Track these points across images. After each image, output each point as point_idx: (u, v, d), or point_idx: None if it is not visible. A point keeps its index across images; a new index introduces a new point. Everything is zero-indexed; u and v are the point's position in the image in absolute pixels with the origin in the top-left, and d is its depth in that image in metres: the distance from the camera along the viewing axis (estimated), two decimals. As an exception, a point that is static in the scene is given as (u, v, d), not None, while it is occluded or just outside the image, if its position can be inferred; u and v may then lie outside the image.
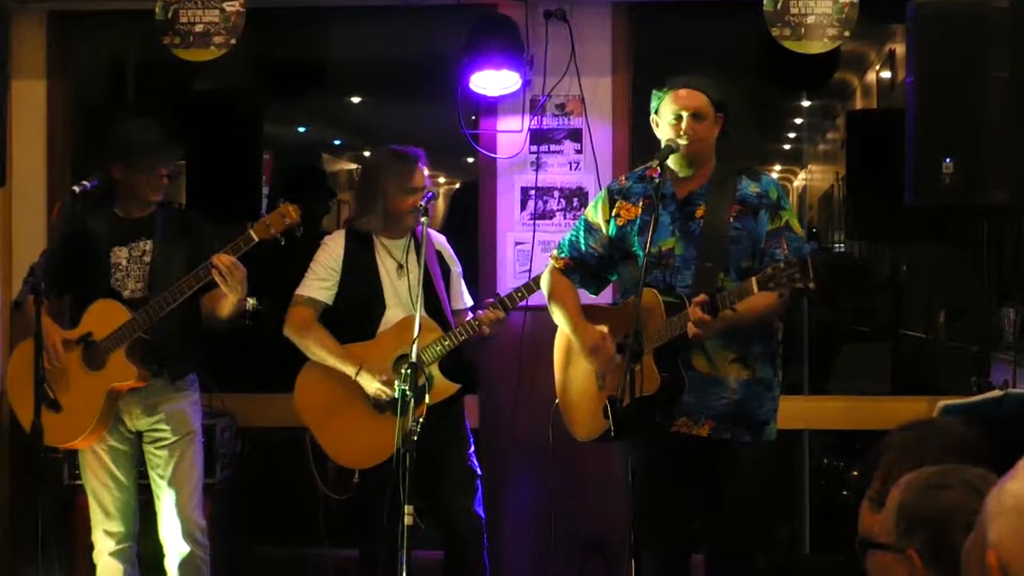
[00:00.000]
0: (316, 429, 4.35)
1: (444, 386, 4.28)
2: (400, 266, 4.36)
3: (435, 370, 4.25)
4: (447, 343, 4.25)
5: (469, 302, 4.58)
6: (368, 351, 4.28)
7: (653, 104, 3.93)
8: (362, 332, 4.32)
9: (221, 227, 4.30)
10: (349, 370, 4.25)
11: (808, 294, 3.62)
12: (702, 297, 3.63)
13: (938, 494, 1.76)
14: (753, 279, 3.57)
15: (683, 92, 3.86)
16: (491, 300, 4.35)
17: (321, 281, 4.37)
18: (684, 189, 3.93)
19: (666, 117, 3.87)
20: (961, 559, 1.54)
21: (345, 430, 4.32)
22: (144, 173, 4.27)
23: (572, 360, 4.08)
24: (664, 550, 3.90)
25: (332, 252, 4.40)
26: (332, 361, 4.28)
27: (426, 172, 4.39)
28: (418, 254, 4.33)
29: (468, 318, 4.42)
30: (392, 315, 4.32)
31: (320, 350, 4.31)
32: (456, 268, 4.53)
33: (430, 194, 4.26)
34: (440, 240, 4.54)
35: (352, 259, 4.37)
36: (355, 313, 4.35)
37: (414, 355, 3.83)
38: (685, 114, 3.84)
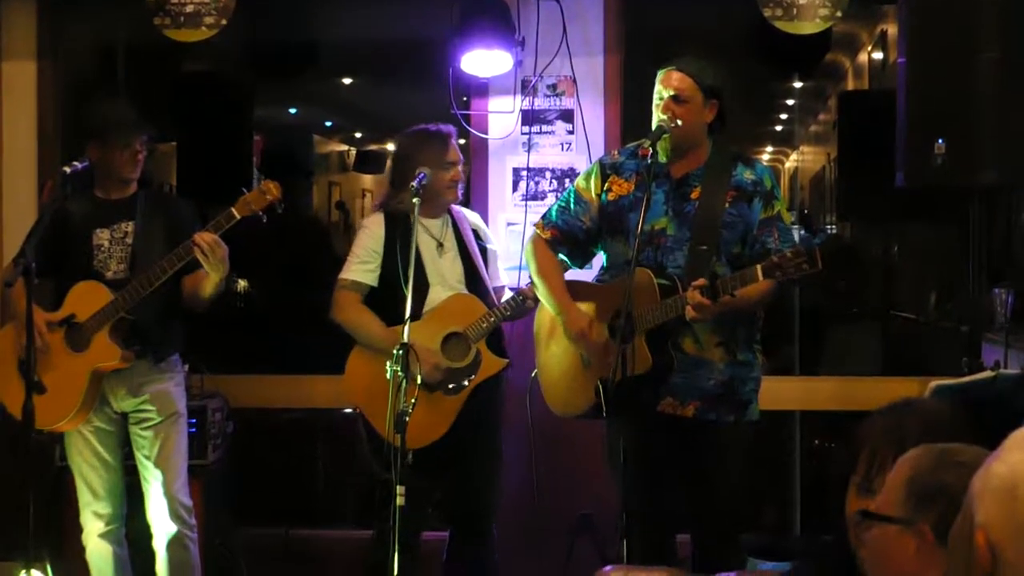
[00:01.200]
0: (368, 411, 4.31)
1: (493, 362, 4.31)
2: (440, 244, 4.36)
3: (483, 346, 4.28)
4: (492, 319, 4.27)
5: (505, 280, 4.62)
6: (416, 332, 4.21)
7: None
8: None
9: (211, 209, 4.27)
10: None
11: (807, 281, 3.61)
12: (702, 281, 3.60)
13: (956, 471, 1.73)
14: (758, 267, 3.54)
15: (670, 73, 3.86)
16: None
17: (364, 264, 4.36)
18: (680, 169, 3.92)
19: (654, 96, 3.88)
20: (948, 539, 1.54)
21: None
22: (119, 149, 4.26)
23: (554, 336, 4.08)
24: (650, 530, 3.89)
25: (373, 234, 4.38)
26: (380, 345, 4.23)
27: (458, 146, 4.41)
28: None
29: (507, 294, 4.46)
30: (436, 294, 4.32)
31: (367, 334, 4.30)
32: (492, 245, 4.57)
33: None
34: (475, 218, 4.57)
35: (393, 240, 4.34)
36: (400, 294, 4.32)
37: (406, 336, 3.81)
38: (666, 94, 3.84)
